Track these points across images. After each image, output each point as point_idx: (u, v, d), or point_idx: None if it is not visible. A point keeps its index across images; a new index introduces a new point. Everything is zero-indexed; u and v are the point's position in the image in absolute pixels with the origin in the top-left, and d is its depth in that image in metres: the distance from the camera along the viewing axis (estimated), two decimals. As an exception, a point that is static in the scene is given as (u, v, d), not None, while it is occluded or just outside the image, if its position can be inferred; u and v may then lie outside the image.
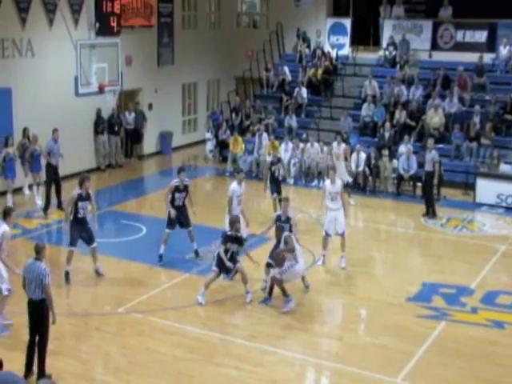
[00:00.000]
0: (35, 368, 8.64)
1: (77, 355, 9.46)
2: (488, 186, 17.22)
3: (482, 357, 9.70)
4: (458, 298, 11.67)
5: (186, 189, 12.89)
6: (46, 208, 15.92)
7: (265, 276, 11.53)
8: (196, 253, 13.26)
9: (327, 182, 13.12)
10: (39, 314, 8.53)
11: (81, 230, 11.94)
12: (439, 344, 10.08)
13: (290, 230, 11.48)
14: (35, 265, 8.52)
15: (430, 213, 16.17)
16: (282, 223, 11.64)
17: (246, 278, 11.27)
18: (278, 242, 11.32)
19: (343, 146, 17.84)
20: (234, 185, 13.44)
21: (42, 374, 8.58)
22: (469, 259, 13.65)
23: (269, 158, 16.61)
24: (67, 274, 11.86)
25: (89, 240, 12.06)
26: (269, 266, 11.35)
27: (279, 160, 16.01)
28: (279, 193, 15.47)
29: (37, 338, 8.61)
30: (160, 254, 12.91)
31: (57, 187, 16.15)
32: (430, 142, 16.64)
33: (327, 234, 13.06)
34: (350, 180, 17.77)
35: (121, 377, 9.10)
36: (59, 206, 16.03)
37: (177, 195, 12.80)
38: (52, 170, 16.06)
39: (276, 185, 15.48)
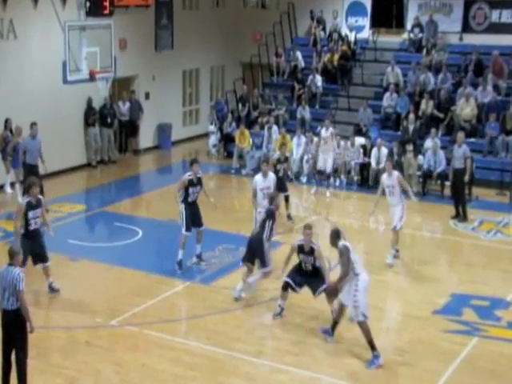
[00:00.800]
0: None
1: (64, 373, 9.45)
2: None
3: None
4: (492, 312, 11.61)
5: (199, 182, 12.91)
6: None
7: (280, 300, 11.15)
8: (199, 257, 13.27)
9: (384, 174, 13.58)
10: (16, 326, 8.50)
11: (33, 245, 11.28)
12: (470, 362, 10.02)
13: (314, 265, 10.84)
14: (8, 271, 8.52)
15: (460, 215, 16.11)
16: (305, 255, 10.89)
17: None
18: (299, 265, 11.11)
19: (331, 129, 18.51)
20: (257, 177, 13.81)
21: None
22: (504, 267, 13.58)
23: (276, 155, 16.60)
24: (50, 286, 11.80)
25: (42, 258, 11.54)
26: (287, 287, 11.00)
27: (286, 159, 16.12)
28: (283, 190, 15.52)
29: (13, 354, 8.58)
30: (179, 261, 12.86)
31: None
32: (460, 135, 16.61)
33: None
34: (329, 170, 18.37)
35: (113, 397, 9.11)
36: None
37: (191, 190, 12.78)
38: (28, 169, 15.72)
39: (279, 183, 15.24)
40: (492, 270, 13.53)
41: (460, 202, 16.27)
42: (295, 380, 9.55)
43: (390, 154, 18.56)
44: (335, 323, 10.48)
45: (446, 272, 13.85)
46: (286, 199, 15.69)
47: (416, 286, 12.74)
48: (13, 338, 8.55)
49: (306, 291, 11.09)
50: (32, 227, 11.38)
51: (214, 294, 12.17)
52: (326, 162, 18.50)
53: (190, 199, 12.80)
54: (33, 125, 16.20)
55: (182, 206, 12.76)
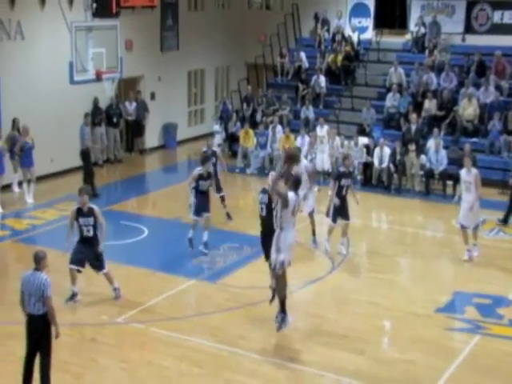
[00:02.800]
0: None
1: (71, 369, 9.46)
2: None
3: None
4: (494, 310, 11.59)
5: (209, 176, 13.79)
6: None
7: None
8: (205, 245, 13.61)
9: (463, 170, 13.65)
10: (42, 330, 8.50)
11: (87, 252, 11.51)
12: (472, 360, 10.01)
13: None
14: (35, 276, 8.49)
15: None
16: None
17: None
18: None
19: (326, 127, 19.03)
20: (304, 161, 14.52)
21: None
22: (506, 266, 13.54)
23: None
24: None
25: (96, 267, 11.63)
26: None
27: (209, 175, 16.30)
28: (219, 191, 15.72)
29: (38, 357, 8.55)
30: (189, 238, 13.57)
31: None
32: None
33: (463, 227, 13.61)
34: (327, 168, 18.69)
35: (119, 393, 9.13)
36: None
37: (201, 182, 13.70)
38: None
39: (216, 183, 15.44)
40: (494, 268, 13.48)
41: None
42: (299, 377, 9.56)
43: (393, 153, 18.54)
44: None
45: (449, 270, 13.82)
46: (222, 199, 15.73)
47: (418, 284, 12.72)
48: (38, 343, 8.52)
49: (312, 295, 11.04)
50: (84, 234, 11.41)
51: (218, 292, 12.18)
52: (322, 161, 18.85)
53: (200, 188, 13.70)
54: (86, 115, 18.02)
55: (193, 193, 13.67)
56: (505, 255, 14.16)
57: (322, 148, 18.95)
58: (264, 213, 11.51)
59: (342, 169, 13.96)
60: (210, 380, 9.38)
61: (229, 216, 15.70)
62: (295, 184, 9.89)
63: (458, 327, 11.02)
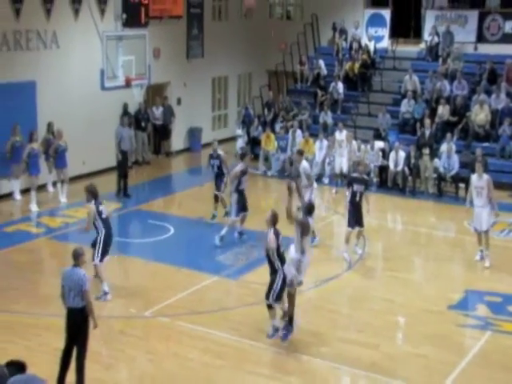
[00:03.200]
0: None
1: (100, 359, 9.53)
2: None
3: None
4: (505, 307, 11.49)
5: (247, 171, 14.52)
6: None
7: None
8: (240, 233, 14.27)
9: (474, 175, 13.39)
10: (79, 323, 8.58)
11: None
12: (484, 356, 9.93)
13: None
14: (74, 272, 8.57)
15: None
16: None
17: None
18: None
19: (345, 132, 18.93)
20: None
21: None
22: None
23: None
24: None
25: None
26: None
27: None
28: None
29: (75, 349, 8.63)
30: (221, 236, 13.94)
31: None
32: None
33: (476, 230, 13.42)
34: (345, 170, 18.52)
35: (146, 383, 9.15)
36: None
37: (243, 179, 14.20)
38: (122, 155, 17.62)
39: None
40: (504, 267, 13.34)
41: None
42: (317, 370, 9.54)
43: (408, 157, 18.44)
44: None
45: (461, 269, 13.71)
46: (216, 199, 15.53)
47: (431, 282, 12.65)
48: (77, 335, 8.61)
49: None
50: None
51: (240, 288, 12.20)
52: (341, 164, 18.85)
53: (241, 187, 14.13)
54: (123, 117, 18.56)
55: (236, 195, 14.03)
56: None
57: (341, 152, 18.83)
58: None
59: (354, 174, 13.85)
60: (232, 372, 9.39)
61: (214, 216, 15.49)
62: (308, 210, 10.20)
63: (470, 324, 10.94)
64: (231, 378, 9.26)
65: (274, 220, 9.89)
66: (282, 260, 9.88)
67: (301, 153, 14.62)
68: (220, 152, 15.56)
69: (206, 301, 11.71)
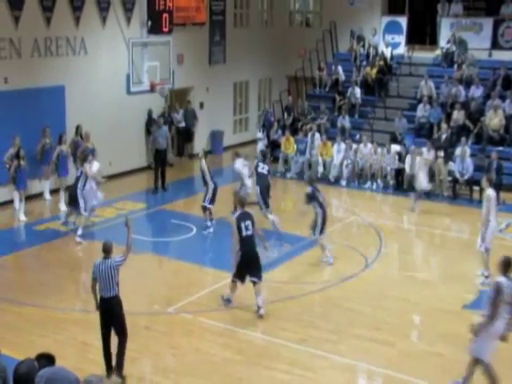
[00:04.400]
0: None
1: (126, 354, 9.54)
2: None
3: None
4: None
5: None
6: None
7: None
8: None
9: (490, 190, 12.15)
10: (115, 311, 8.71)
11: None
12: (497, 354, 9.83)
13: None
14: (105, 263, 8.72)
15: None
16: None
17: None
18: None
19: (432, 152, 17.95)
20: None
21: (120, 372, 8.79)
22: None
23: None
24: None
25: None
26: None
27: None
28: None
29: (117, 338, 8.79)
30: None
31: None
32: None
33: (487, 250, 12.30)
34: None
35: (169, 377, 9.19)
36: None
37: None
38: (157, 153, 18.29)
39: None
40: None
41: None
42: (334, 366, 9.51)
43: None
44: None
45: (475, 270, 13.60)
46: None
47: (446, 283, 12.56)
48: (111, 323, 8.75)
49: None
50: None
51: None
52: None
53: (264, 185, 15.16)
54: (158, 117, 19.23)
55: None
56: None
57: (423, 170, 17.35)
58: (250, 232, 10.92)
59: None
60: (251, 366, 9.39)
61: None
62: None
63: (484, 323, 10.82)
64: (250, 372, 9.26)
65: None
66: (243, 241, 10.77)
67: (236, 154, 16.07)
68: (202, 162, 15.27)
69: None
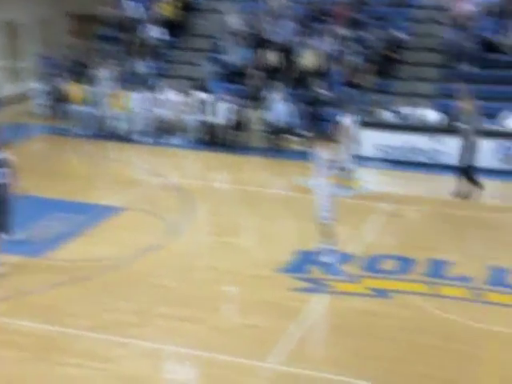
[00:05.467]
0: None
1: None
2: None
3: (362, 330, 10.02)
4: (338, 267, 11.98)
5: None
6: None
7: None
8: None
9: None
10: None
11: None
12: (320, 320, 10.31)
13: None
14: None
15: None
16: None
17: None
18: None
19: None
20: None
21: None
22: (350, 221, 13.95)
23: None
24: None
25: None
26: None
27: None
28: None
29: None
30: None
31: None
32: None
33: None
34: None
35: None
36: None
37: None
38: None
39: None
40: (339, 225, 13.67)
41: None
42: (138, 353, 9.42)
43: (233, 109, 18.57)
44: None
45: (292, 229, 14.10)
46: None
47: (261, 245, 12.91)
48: None
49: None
50: None
51: (47, 267, 11.81)
52: None
53: None
54: None
55: None
56: (350, 210, 14.55)
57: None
58: None
59: None
60: (35, 364, 9.02)
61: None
62: None
63: (302, 287, 11.25)
64: (34, 371, 8.95)
65: None
66: None
67: None
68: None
69: (4, 286, 11.23)
